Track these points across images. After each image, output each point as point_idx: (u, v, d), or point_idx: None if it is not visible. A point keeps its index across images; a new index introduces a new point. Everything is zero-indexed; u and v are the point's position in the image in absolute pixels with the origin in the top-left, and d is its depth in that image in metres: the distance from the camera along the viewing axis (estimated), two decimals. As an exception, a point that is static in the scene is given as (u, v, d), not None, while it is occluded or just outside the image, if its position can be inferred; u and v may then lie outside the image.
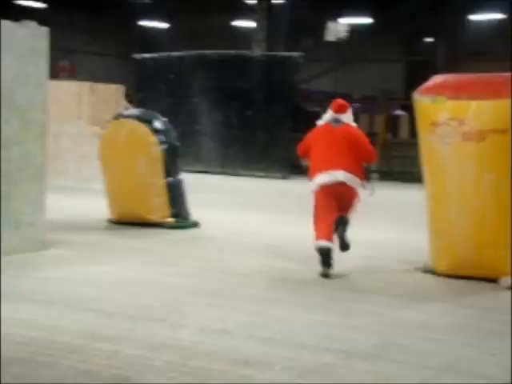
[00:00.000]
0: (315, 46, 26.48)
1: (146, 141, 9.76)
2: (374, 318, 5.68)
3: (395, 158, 19.21)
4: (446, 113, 6.96)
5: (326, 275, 6.98)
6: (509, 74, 6.97)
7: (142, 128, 9.80)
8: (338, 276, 7.02)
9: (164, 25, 31.03)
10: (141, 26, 30.92)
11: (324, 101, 18.23)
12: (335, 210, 7.22)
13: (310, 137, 7.52)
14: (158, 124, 9.90)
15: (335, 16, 25.40)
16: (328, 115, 7.44)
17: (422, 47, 28.68)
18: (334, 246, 7.12)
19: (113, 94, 15.96)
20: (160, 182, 9.79)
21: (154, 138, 9.75)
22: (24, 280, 6.55)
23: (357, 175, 7.26)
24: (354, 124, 7.49)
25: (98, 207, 10.39)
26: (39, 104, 7.80)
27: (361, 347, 4.90)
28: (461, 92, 6.96)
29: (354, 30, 25.50)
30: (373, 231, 9.84)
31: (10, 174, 7.51)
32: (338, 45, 25.57)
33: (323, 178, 7.20)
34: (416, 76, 17.42)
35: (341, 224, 7.27)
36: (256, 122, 19.50)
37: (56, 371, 4.29)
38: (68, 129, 15.05)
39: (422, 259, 7.47)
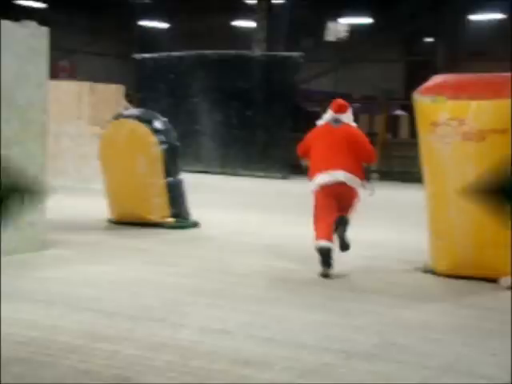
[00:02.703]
0: (315, 46, 26.46)
1: (145, 141, 9.76)
2: (374, 318, 5.68)
3: (395, 157, 19.20)
4: (446, 113, 6.96)
5: (326, 275, 6.98)
6: (509, 74, 6.96)
7: (142, 128, 9.80)
8: (338, 276, 7.02)
9: (164, 25, 31.02)
10: (141, 26, 30.91)
11: (324, 101, 18.21)
12: (335, 210, 7.22)
13: (310, 137, 7.52)
14: (158, 124, 9.90)
15: (335, 16, 25.40)
16: (328, 115, 7.45)
17: (422, 47, 28.67)
18: (334, 245, 7.12)
19: (113, 94, 15.96)
20: (160, 181, 9.79)
21: (154, 138, 9.75)
22: (24, 280, 6.55)
23: (357, 175, 7.26)
24: (354, 124, 7.49)
25: (98, 207, 10.39)
26: (39, 104, 7.80)
27: (361, 347, 4.90)
28: (461, 92, 6.96)
29: (354, 29, 25.49)
30: (373, 231, 9.84)
31: (10, 174, 7.50)
32: (338, 45, 25.55)
33: (323, 177, 7.20)
34: (416, 76, 17.43)
35: (341, 224, 7.27)
36: (256, 122, 19.49)
37: (56, 371, 4.29)
38: (68, 129, 15.04)
39: (422, 259, 7.47)
